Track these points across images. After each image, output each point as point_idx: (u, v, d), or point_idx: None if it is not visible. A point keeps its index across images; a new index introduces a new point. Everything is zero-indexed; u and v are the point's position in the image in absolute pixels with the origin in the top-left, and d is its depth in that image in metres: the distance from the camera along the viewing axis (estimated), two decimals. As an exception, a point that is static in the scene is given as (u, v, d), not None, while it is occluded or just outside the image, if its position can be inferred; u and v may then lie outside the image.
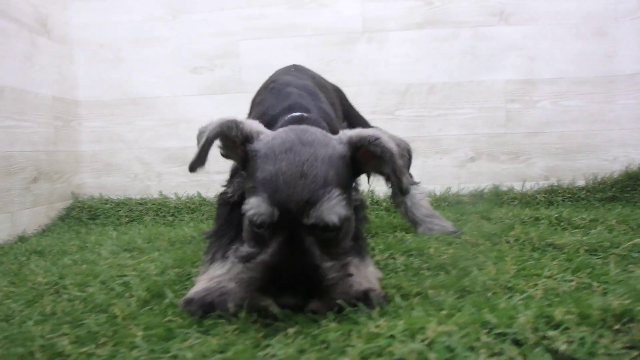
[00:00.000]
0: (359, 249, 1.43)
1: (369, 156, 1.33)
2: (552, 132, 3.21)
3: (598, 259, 1.65)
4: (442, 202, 3.03)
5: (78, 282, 1.63)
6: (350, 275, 1.23)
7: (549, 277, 1.42)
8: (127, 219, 3.07)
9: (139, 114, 3.40)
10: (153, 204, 3.18)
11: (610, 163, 3.17)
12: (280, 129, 1.36)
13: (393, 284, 1.42)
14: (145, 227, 2.86)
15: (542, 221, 2.32)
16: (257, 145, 1.29)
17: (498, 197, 3.04)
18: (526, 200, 3.00)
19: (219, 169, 3.17)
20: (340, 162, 1.27)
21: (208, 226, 2.63)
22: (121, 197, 3.32)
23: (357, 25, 3.25)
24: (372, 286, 1.30)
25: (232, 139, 1.34)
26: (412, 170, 3.21)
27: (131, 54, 3.39)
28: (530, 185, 3.16)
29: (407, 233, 2.18)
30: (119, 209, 3.17)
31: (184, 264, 1.79)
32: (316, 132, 1.32)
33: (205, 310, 1.25)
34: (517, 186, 3.17)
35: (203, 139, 1.32)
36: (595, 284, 1.34)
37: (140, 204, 3.21)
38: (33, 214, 2.91)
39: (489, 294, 1.31)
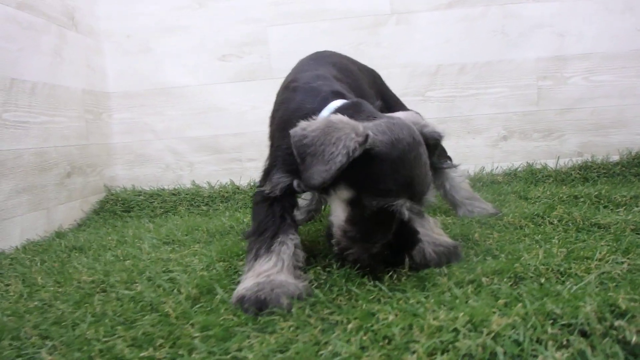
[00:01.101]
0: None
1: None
2: (584, 108, 3.17)
3: (646, 238, 1.65)
4: (476, 182, 3.01)
5: (124, 279, 1.61)
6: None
7: (600, 259, 1.42)
8: (162, 210, 3.09)
9: (169, 104, 3.42)
10: (186, 194, 3.20)
11: (644, 137, 3.13)
12: (380, 121, 1.43)
13: (444, 272, 1.44)
14: (180, 218, 2.87)
15: (581, 199, 2.30)
16: (382, 147, 1.36)
17: (532, 175, 3.03)
18: (561, 177, 2.97)
19: (250, 157, 3.26)
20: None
21: (244, 215, 2.65)
22: (154, 188, 3.34)
23: (385, 7, 3.21)
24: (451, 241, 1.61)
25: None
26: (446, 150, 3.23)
27: (158, 43, 3.39)
28: (564, 162, 3.13)
29: (447, 216, 2.19)
30: (153, 200, 3.18)
31: (229, 257, 1.78)
32: (410, 125, 1.46)
33: (259, 307, 1.25)
34: (551, 164, 3.14)
35: (340, 155, 1.29)
36: (648, 267, 1.35)
37: (174, 194, 3.23)
38: (68, 209, 2.94)
39: (542, 280, 1.32)
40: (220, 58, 3.35)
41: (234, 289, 1.39)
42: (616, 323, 0.96)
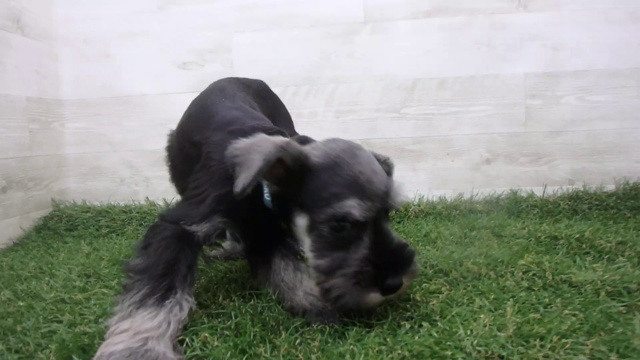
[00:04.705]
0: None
1: None
2: (578, 131, 2.84)
3: (622, 305, 1.35)
4: (453, 210, 2.71)
5: (2, 329, 1.37)
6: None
7: (556, 342, 1.13)
8: (108, 229, 2.83)
9: (126, 114, 3.17)
10: (138, 212, 2.93)
11: (644, 166, 2.79)
12: (314, 144, 1.40)
13: (353, 351, 1.15)
14: (123, 241, 2.62)
15: (560, 242, 2.00)
16: (315, 159, 1.32)
17: (516, 204, 2.71)
18: (547, 208, 2.65)
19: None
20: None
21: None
22: (104, 205, 3.08)
23: (358, 14, 2.92)
24: None
25: (288, 161, 1.30)
26: (421, 173, 2.95)
27: (117, 49, 3.15)
28: (552, 191, 2.82)
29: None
30: (100, 218, 2.91)
31: None
32: (347, 140, 1.41)
33: None
34: (538, 191, 2.82)
35: (259, 161, 1.23)
36: (613, 357, 1.05)
37: (124, 212, 2.96)
38: (3, 226, 2.67)
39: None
40: (180, 66, 3.09)
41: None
42: None
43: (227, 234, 2.09)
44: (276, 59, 2.99)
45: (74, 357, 1.17)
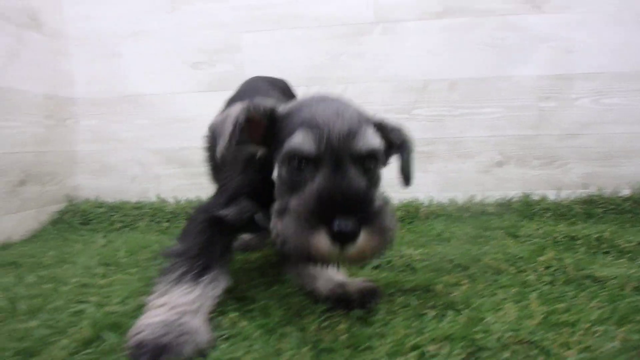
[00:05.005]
0: None
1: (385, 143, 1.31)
2: (591, 134, 2.82)
3: (650, 299, 1.32)
4: (464, 212, 2.69)
5: (31, 308, 1.40)
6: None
7: (586, 329, 1.10)
8: (121, 224, 2.84)
9: (137, 112, 3.16)
10: (150, 208, 2.94)
11: (660, 170, 2.76)
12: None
13: (384, 332, 1.13)
14: (136, 235, 2.64)
15: (579, 242, 1.97)
16: (284, 110, 1.28)
17: (528, 207, 2.68)
18: (561, 211, 2.62)
19: (218, 173, 2.97)
20: (369, 122, 1.27)
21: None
22: (117, 201, 3.10)
23: (368, 15, 2.92)
24: None
25: (256, 118, 1.27)
26: (432, 175, 2.92)
27: (128, 48, 3.15)
28: (566, 194, 2.79)
29: (415, 259, 1.85)
30: (113, 214, 2.94)
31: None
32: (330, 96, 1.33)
33: (157, 354, 1.03)
34: (551, 195, 2.80)
35: (230, 125, 1.21)
36: (647, 344, 1.02)
37: (136, 208, 2.97)
38: (20, 218, 2.70)
39: (506, 355, 1.00)
40: (191, 65, 3.09)
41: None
42: None
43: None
44: (286, 59, 2.99)
45: (105, 333, 1.18)
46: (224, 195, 1.46)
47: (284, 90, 2.18)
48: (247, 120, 1.25)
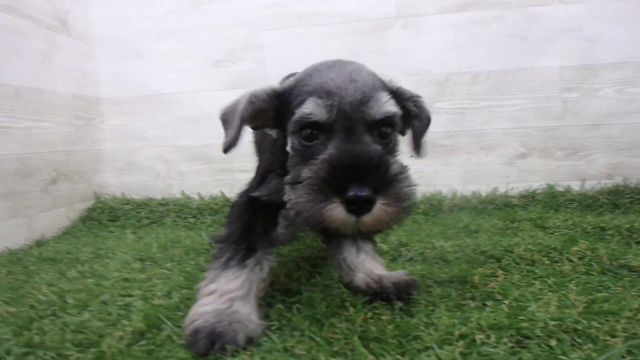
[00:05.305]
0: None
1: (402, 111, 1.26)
2: (615, 124, 2.81)
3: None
4: (488, 204, 2.70)
5: (79, 301, 1.46)
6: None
7: (630, 317, 1.11)
8: (148, 220, 2.90)
9: (160, 111, 3.22)
10: (175, 205, 3.00)
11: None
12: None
13: (432, 321, 1.15)
14: (164, 230, 2.69)
15: (609, 232, 1.97)
16: (290, 83, 1.25)
17: (553, 199, 2.68)
18: (586, 202, 2.62)
19: (242, 168, 3.00)
20: (385, 88, 1.23)
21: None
22: (143, 198, 3.16)
23: (390, 10, 2.93)
24: None
25: (263, 106, 1.26)
26: (454, 168, 2.93)
27: (152, 48, 3.20)
28: (590, 185, 2.78)
29: (447, 250, 1.87)
30: (140, 210, 3.01)
31: (194, 282, 1.55)
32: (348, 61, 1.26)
33: (213, 341, 1.08)
34: (575, 186, 2.79)
35: (236, 119, 1.22)
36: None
37: (162, 204, 3.03)
38: (52, 216, 2.78)
39: (553, 342, 1.02)
40: (214, 64, 3.12)
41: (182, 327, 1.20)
42: None
43: None
44: (307, 56, 2.98)
45: (159, 324, 1.23)
46: (257, 177, 1.49)
47: None
48: (254, 111, 1.24)
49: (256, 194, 1.41)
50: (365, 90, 1.14)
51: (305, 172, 1.07)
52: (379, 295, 1.35)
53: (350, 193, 1.00)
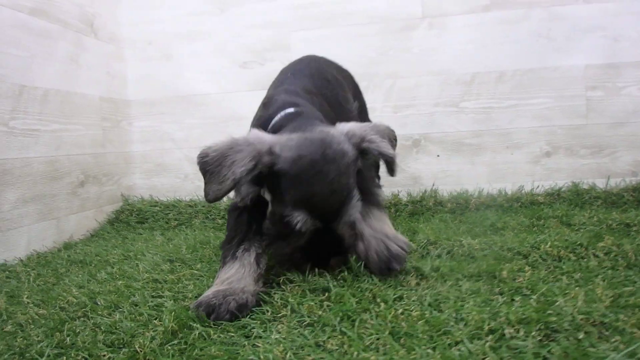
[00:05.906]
0: (377, 201, 1.75)
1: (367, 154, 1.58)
2: (639, 121, 2.81)
3: None
4: (514, 202, 2.72)
5: (110, 302, 1.51)
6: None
7: (656, 311, 1.15)
8: (176, 222, 2.97)
9: (188, 112, 3.30)
10: (203, 206, 3.06)
11: None
12: (294, 136, 1.48)
13: (460, 316, 1.20)
14: (193, 232, 2.74)
15: (635, 229, 1.99)
16: (283, 165, 1.42)
17: (578, 197, 2.69)
18: (611, 199, 2.63)
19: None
20: (353, 166, 1.50)
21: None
22: (171, 199, 3.23)
23: (416, 10, 2.97)
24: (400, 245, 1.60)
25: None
26: (480, 167, 2.96)
27: (179, 50, 3.29)
28: (615, 183, 2.79)
29: (475, 248, 1.91)
30: (168, 212, 3.07)
31: None
32: (328, 139, 1.46)
33: (209, 312, 1.32)
34: (600, 184, 2.81)
35: (229, 183, 1.36)
36: None
37: (190, 206, 3.10)
38: (80, 219, 2.86)
39: (581, 335, 1.06)
40: (241, 65, 3.20)
41: (214, 325, 1.29)
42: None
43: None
44: (334, 56, 3.05)
45: (190, 324, 1.29)
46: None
47: (348, 78, 2.46)
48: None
49: (235, 200, 1.68)
50: (341, 201, 1.44)
51: (283, 245, 1.53)
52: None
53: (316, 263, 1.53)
